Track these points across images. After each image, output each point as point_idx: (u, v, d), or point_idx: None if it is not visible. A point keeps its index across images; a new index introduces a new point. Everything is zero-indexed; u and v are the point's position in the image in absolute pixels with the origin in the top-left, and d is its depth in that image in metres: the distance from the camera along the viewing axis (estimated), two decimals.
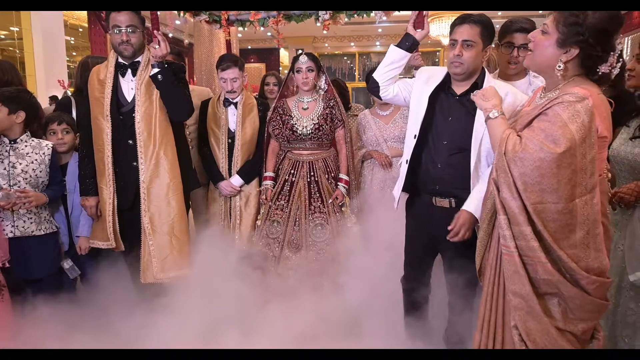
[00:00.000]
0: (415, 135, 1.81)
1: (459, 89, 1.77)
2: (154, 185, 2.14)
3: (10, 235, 2.08)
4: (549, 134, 1.23)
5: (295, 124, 2.43)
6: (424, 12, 2.01)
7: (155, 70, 2.06)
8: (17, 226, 2.10)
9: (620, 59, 1.30)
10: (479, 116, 1.68)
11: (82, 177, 2.25)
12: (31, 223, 2.12)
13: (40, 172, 2.13)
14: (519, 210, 1.26)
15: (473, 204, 1.67)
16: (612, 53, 1.29)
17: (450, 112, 1.79)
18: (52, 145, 2.20)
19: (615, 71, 1.30)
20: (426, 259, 1.98)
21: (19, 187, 2.07)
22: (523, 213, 1.26)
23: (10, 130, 2.09)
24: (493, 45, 1.83)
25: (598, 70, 1.30)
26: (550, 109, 1.26)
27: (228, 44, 3.08)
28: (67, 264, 2.27)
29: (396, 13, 2.80)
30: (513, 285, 1.30)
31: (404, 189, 1.94)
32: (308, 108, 2.46)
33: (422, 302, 1.95)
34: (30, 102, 2.16)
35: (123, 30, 2.05)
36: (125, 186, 2.18)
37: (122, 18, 2.05)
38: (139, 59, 2.16)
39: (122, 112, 2.15)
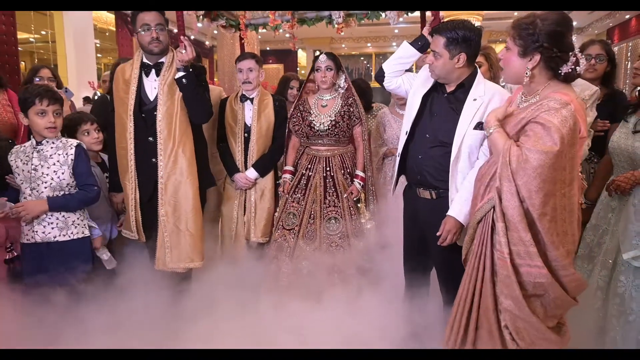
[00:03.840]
0: (406, 132, 1.96)
1: (448, 87, 1.91)
2: (171, 181, 2.21)
3: (31, 240, 1.98)
4: (546, 141, 1.34)
5: (313, 120, 2.53)
6: (441, 18, 2.14)
7: (181, 74, 2.13)
8: (36, 232, 1.97)
9: (582, 57, 1.42)
10: (464, 115, 1.80)
11: (111, 174, 2.33)
12: (52, 228, 1.98)
13: (63, 174, 1.97)
14: (521, 217, 1.37)
15: (456, 210, 1.78)
16: (570, 53, 1.41)
17: (436, 108, 1.91)
18: (76, 145, 2.03)
19: (580, 69, 1.42)
20: (420, 248, 2.05)
21: (38, 191, 1.96)
22: (524, 220, 1.36)
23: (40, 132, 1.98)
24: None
25: (560, 71, 1.42)
26: (539, 117, 1.38)
27: (242, 46, 3.24)
28: (105, 255, 2.23)
29: (412, 14, 2.89)
30: (505, 288, 1.42)
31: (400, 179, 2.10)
32: (327, 105, 2.56)
33: (421, 282, 2.05)
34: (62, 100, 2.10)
35: (152, 28, 2.13)
36: (144, 181, 2.25)
37: (150, 17, 2.13)
38: (162, 59, 2.23)
39: (144, 111, 2.23)
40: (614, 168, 2.10)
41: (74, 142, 2.04)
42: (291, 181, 2.62)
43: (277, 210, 2.65)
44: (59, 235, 1.99)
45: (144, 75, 2.25)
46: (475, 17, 8.29)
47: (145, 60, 2.25)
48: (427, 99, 1.94)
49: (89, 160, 2.09)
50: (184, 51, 2.11)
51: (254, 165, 2.63)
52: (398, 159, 2.02)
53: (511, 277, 1.39)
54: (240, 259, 2.58)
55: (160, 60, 2.24)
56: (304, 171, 2.60)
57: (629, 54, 9.50)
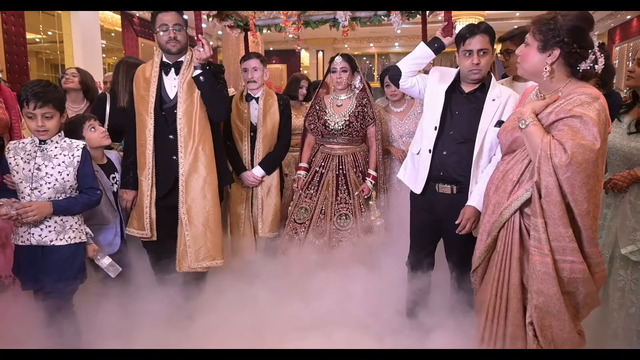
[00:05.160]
0: (436, 127, 2.01)
1: (467, 88, 2.00)
2: (191, 178, 2.21)
3: (26, 242, 1.87)
4: (585, 134, 1.33)
5: (328, 119, 2.62)
6: (453, 22, 2.22)
7: (198, 71, 2.17)
8: (32, 234, 1.86)
9: (602, 56, 1.43)
10: (485, 112, 1.89)
11: (124, 171, 2.33)
12: (50, 232, 1.88)
13: (68, 175, 1.89)
14: (562, 212, 1.34)
15: (476, 200, 1.86)
16: (590, 50, 1.42)
17: (457, 107, 2.00)
18: (83, 146, 1.95)
19: (598, 67, 1.42)
20: (429, 242, 2.16)
21: (39, 191, 1.86)
22: (565, 216, 1.35)
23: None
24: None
25: (579, 68, 1.43)
26: (573, 110, 1.36)
27: (247, 47, 3.30)
28: (104, 261, 2.06)
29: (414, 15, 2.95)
30: (541, 285, 1.38)
31: (409, 178, 2.15)
32: (342, 105, 2.65)
33: (424, 279, 2.13)
34: (63, 97, 1.98)
35: (170, 28, 2.17)
36: (163, 178, 2.26)
37: (168, 17, 2.16)
38: (182, 58, 2.27)
39: (164, 109, 2.26)
40: (608, 166, 2.16)
41: (80, 143, 1.96)
42: (305, 177, 2.71)
43: (291, 205, 2.73)
44: (56, 240, 1.89)
45: (163, 74, 2.30)
46: (476, 18, 8.34)
47: (164, 59, 2.30)
48: (446, 97, 2.02)
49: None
50: (201, 49, 2.16)
51: (260, 164, 2.69)
52: (430, 155, 2.03)
53: (550, 274, 1.37)
54: (250, 254, 2.64)
55: (179, 60, 2.29)
56: (317, 168, 2.70)
57: (629, 54, 9.54)
